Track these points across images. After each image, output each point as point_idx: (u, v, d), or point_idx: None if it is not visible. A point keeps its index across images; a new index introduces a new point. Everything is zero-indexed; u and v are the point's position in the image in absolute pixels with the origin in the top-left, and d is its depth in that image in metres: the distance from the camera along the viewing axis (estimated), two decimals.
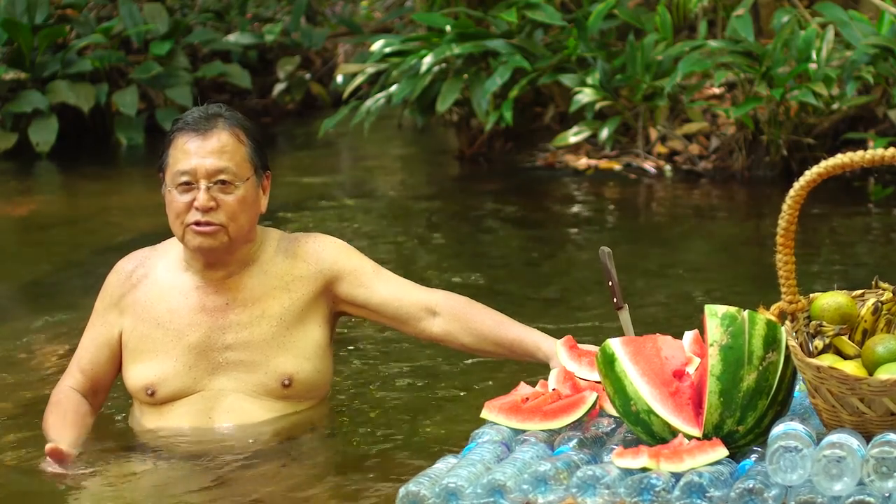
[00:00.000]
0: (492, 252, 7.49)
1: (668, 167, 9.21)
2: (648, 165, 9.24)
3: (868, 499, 2.76)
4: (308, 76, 12.55)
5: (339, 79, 10.76)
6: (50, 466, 3.82)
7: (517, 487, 2.96)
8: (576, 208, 8.70)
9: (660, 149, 9.32)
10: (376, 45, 9.58)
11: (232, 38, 11.79)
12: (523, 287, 6.48)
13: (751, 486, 2.84)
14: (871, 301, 3.18)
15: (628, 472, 2.93)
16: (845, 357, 3.11)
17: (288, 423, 3.96)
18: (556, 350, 3.63)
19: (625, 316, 3.76)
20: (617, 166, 9.31)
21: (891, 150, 2.87)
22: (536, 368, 3.95)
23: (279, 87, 12.28)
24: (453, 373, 4.87)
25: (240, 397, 3.92)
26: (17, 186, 9.81)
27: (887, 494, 2.77)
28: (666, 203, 8.75)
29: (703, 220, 8.26)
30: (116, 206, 8.90)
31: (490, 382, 4.64)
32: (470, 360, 4.83)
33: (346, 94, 9.73)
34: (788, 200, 2.99)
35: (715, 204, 8.63)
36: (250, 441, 3.91)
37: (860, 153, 2.91)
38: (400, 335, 4.95)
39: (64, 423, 3.94)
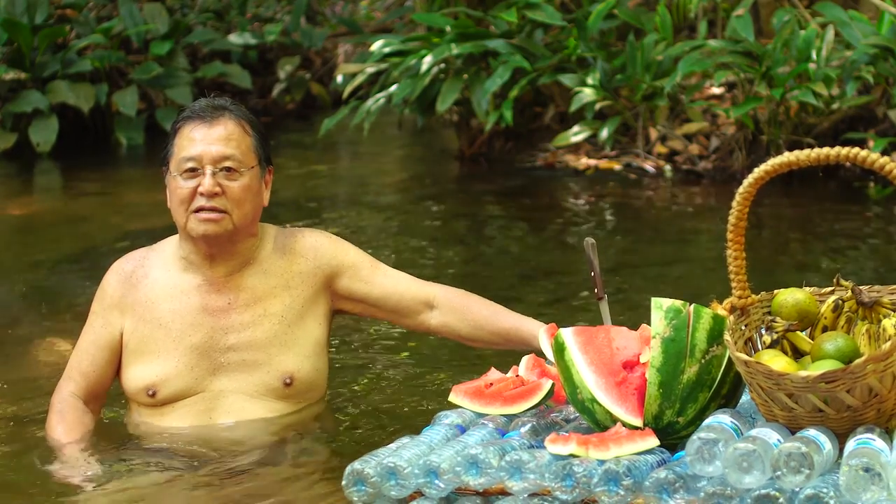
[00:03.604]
0: (491, 251, 7.49)
1: (668, 167, 9.21)
2: (648, 165, 9.24)
3: (773, 492, 2.80)
4: (308, 76, 12.56)
5: (339, 79, 10.76)
6: (61, 468, 3.82)
7: (451, 469, 3.03)
8: (576, 208, 8.70)
9: (660, 149, 9.32)
10: (376, 45, 9.58)
11: (232, 38, 11.80)
12: (523, 286, 6.49)
13: (664, 475, 2.89)
14: (832, 299, 3.22)
15: (557, 458, 2.99)
16: (802, 353, 3.15)
17: (287, 424, 3.96)
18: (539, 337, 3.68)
19: (604, 306, 3.82)
20: (617, 166, 9.32)
21: (836, 149, 2.93)
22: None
23: (279, 87, 12.29)
24: (449, 365, 4.88)
25: (241, 398, 3.92)
26: (17, 186, 9.82)
27: (797, 489, 2.80)
28: (666, 203, 8.76)
29: (702, 221, 8.26)
30: (116, 206, 8.91)
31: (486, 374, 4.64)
32: (466, 353, 4.83)
33: (346, 94, 9.74)
34: (738, 197, 3.06)
35: (715, 204, 8.63)
36: (249, 441, 3.91)
37: (806, 151, 2.97)
38: (392, 329, 4.95)
39: (71, 434, 3.94)
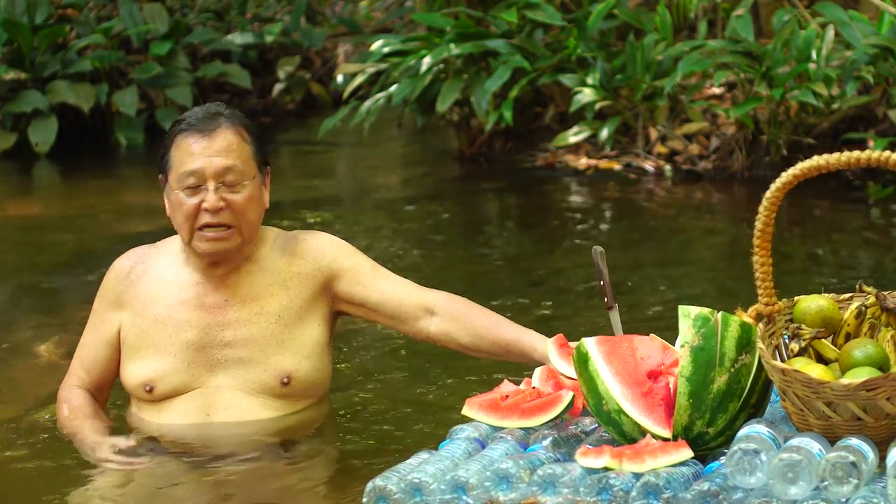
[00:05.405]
0: (491, 252, 7.49)
1: (668, 167, 9.21)
2: (648, 165, 9.24)
3: (821, 503, 2.76)
4: (308, 76, 12.55)
5: (339, 79, 10.75)
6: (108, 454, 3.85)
7: (480, 485, 2.97)
8: (576, 208, 8.70)
9: (660, 149, 9.32)
10: (376, 45, 9.58)
11: (232, 38, 11.80)
12: (522, 287, 6.49)
13: (706, 487, 2.84)
14: (854, 305, 3.16)
15: (590, 471, 2.93)
16: (826, 361, 3.10)
17: (286, 422, 3.95)
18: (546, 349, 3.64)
19: (615, 315, 3.76)
20: (617, 166, 9.31)
21: (867, 152, 2.87)
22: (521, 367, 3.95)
23: (279, 87, 12.28)
24: (452, 372, 4.87)
25: (238, 395, 3.92)
26: (17, 186, 9.82)
27: (844, 499, 2.76)
28: (666, 203, 8.75)
29: (703, 221, 8.26)
30: (116, 206, 8.90)
31: (488, 382, 4.64)
32: (468, 360, 4.83)
33: (346, 94, 9.73)
34: (765, 202, 3.00)
35: (715, 204, 8.63)
36: (247, 439, 3.91)
37: (836, 155, 2.91)
38: (398, 335, 4.94)
39: (83, 414, 3.97)
